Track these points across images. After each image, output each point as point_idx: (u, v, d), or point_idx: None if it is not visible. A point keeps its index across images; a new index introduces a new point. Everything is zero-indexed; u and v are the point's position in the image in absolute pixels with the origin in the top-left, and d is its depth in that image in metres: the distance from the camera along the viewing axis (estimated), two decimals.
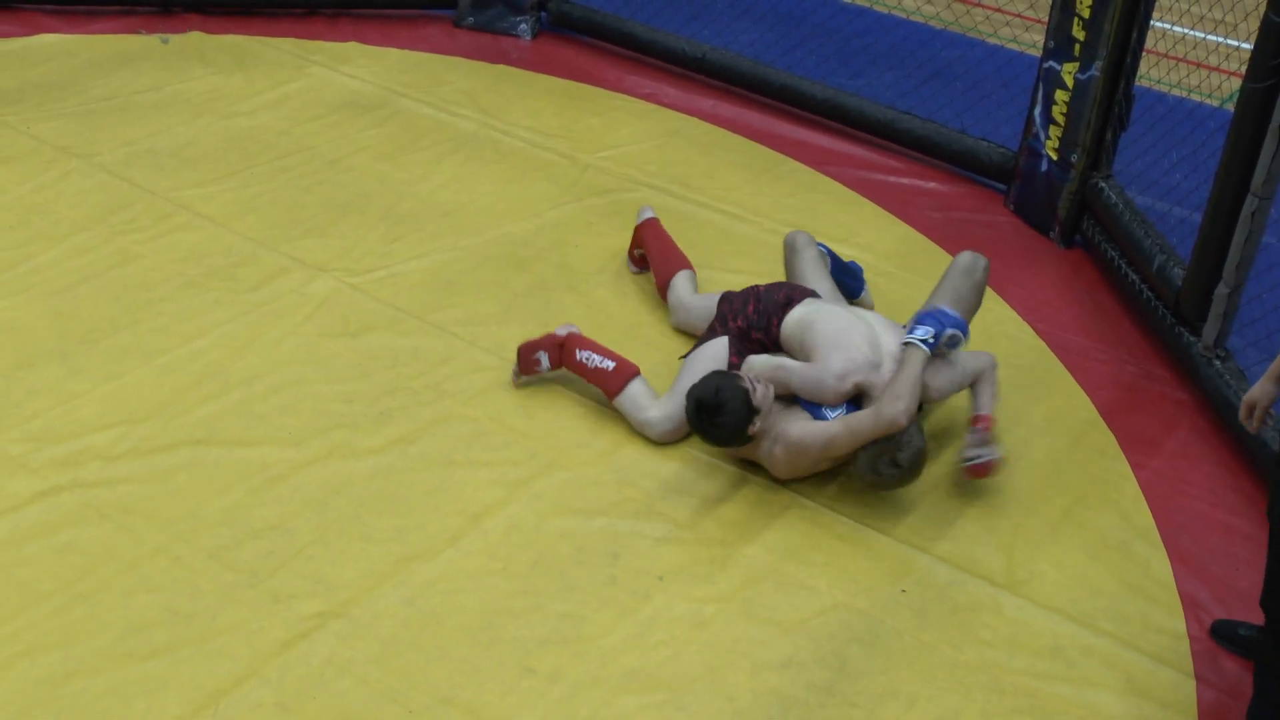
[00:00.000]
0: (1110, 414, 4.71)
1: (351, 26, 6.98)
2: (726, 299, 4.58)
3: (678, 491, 4.22)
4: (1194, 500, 4.38)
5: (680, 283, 4.91)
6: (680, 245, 5.25)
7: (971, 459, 4.20)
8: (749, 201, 5.77)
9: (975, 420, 4.29)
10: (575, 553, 3.97)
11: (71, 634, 3.57)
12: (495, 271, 5.17)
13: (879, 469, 4.11)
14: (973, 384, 4.37)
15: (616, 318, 4.97)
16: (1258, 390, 3.56)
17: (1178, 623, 3.92)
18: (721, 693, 3.59)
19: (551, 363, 4.53)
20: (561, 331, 4.58)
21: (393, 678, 3.54)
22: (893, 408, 4.05)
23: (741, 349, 4.44)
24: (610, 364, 4.43)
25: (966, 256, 4.54)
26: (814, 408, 4.19)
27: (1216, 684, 3.74)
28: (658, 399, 4.42)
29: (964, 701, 3.63)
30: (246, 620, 3.66)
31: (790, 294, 4.49)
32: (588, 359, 4.47)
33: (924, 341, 4.17)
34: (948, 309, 4.30)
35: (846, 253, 5.43)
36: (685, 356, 4.54)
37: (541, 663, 3.63)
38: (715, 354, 4.44)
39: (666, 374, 4.66)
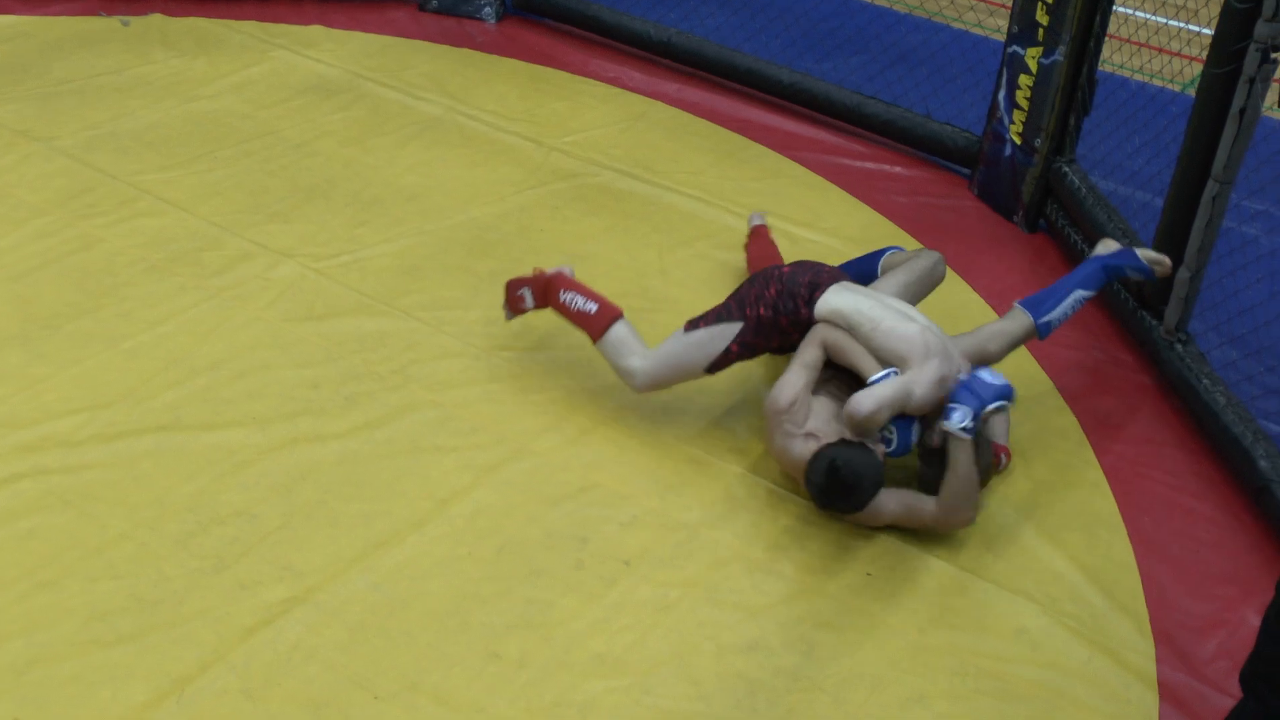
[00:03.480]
0: (1073, 398, 4.75)
1: (316, 10, 6.94)
2: (746, 283, 4.38)
3: (645, 477, 4.23)
4: (1156, 484, 4.41)
5: None
6: (644, 229, 5.22)
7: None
8: (714, 185, 5.77)
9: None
10: (543, 538, 3.97)
11: (35, 621, 3.55)
12: (460, 256, 5.16)
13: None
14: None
15: None
16: None
17: (1139, 605, 3.95)
18: (687, 676, 3.60)
19: (536, 300, 4.43)
20: (551, 270, 4.46)
21: (359, 664, 3.54)
22: (965, 515, 4.03)
23: (757, 340, 4.26)
24: (593, 306, 4.32)
25: (939, 266, 4.57)
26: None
27: (1177, 665, 3.78)
28: (644, 347, 4.31)
29: (929, 684, 3.65)
30: (212, 606, 3.65)
31: (816, 278, 4.30)
32: (570, 300, 4.35)
33: (964, 429, 3.99)
34: (984, 376, 4.11)
35: (811, 238, 5.44)
36: (691, 321, 4.32)
37: (508, 648, 3.63)
38: (715, 339, 4.24)
39: None
